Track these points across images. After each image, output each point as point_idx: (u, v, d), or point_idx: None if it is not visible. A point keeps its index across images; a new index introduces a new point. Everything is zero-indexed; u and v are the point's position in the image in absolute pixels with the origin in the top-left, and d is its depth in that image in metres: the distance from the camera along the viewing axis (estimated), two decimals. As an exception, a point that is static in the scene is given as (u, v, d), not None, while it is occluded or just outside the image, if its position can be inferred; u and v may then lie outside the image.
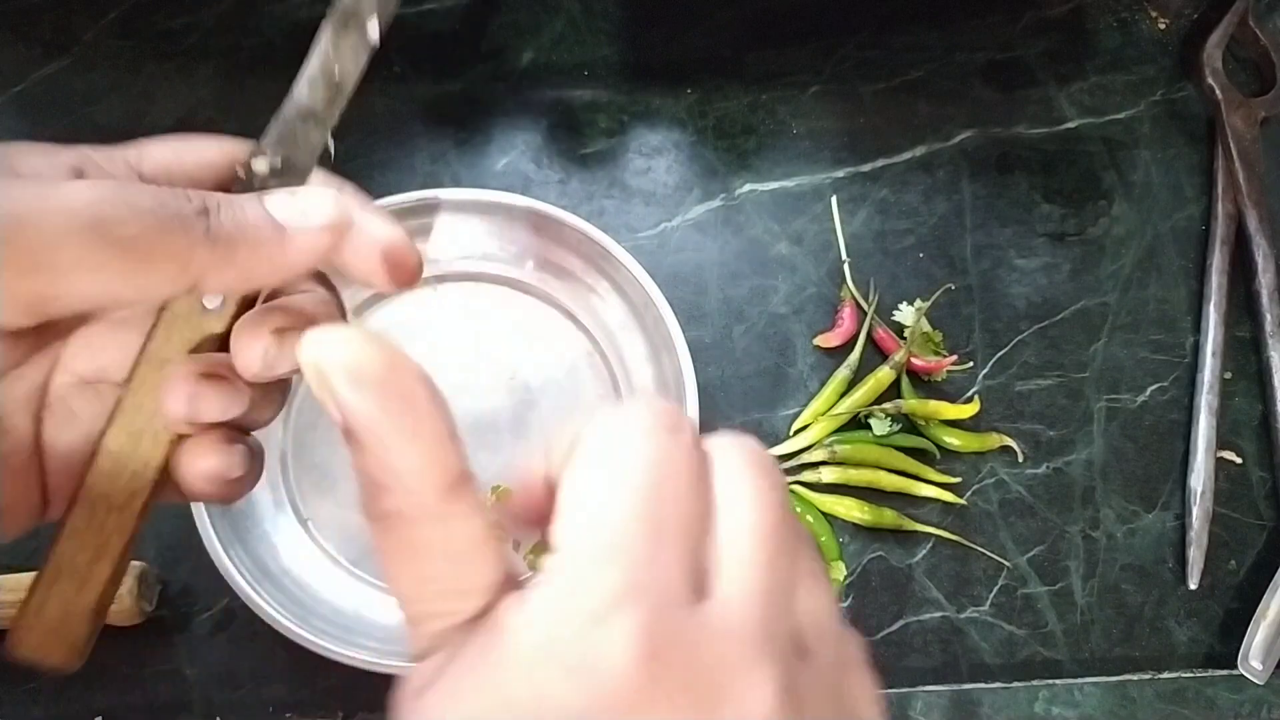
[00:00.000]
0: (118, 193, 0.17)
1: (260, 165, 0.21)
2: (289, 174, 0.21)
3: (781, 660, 0.14)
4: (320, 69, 0.22)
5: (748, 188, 0.53)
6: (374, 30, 0.21)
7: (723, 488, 0.16)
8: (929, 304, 0.50)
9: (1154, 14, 0.58)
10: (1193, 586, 0.47)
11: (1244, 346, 0.51)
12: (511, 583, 0.16)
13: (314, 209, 0.20)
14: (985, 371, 0.50)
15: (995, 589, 0.47)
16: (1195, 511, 0.48)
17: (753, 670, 0.13)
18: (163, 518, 0.32)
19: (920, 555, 0.47)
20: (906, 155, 0.54)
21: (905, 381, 0.49)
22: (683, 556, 0.14)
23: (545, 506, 0.16)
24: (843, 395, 0.49)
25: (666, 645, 0.13)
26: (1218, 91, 0.54)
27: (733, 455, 0.16)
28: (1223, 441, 0.49)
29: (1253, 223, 0.52)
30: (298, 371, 0.19)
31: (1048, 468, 0.49)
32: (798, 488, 0.47)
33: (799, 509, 0.46)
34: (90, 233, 0.16)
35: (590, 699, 0.13)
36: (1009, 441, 0.49)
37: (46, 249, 0.16)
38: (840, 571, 0.46)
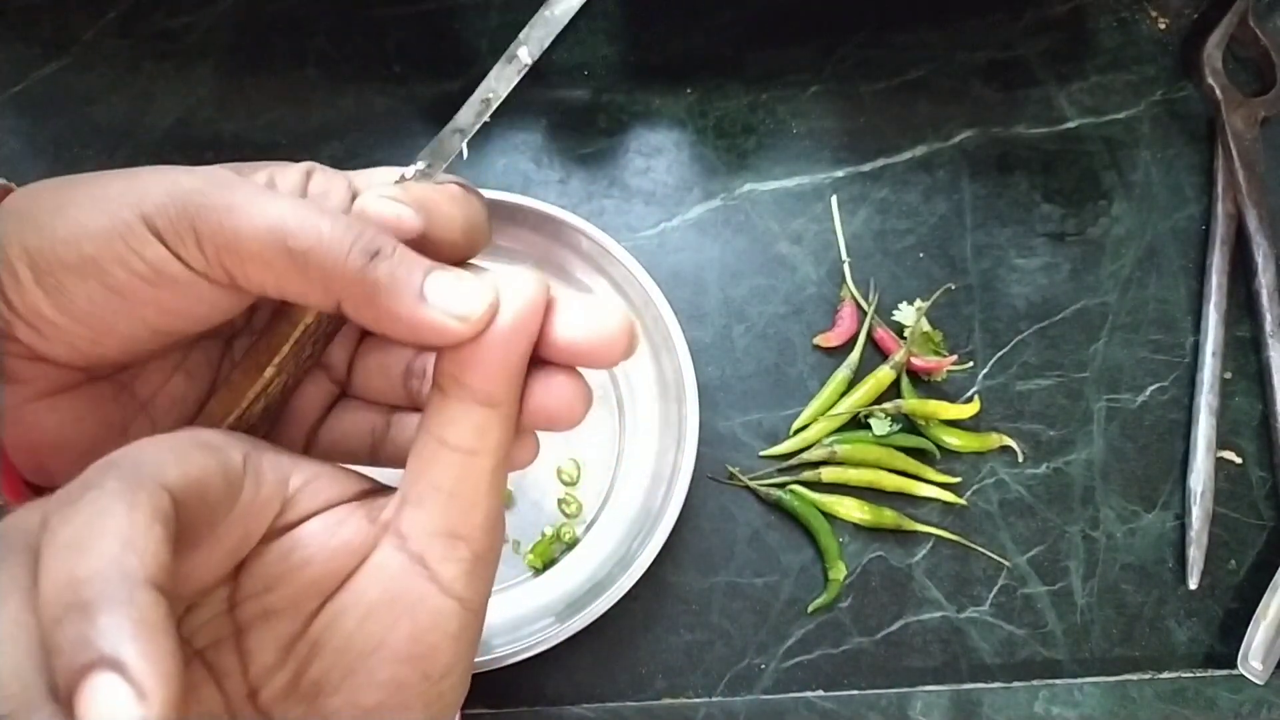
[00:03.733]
0: (306, 211, 0.21)
1: (410, 171, 0.26)
2: (428, 174, 0.26)
3: None
4: (480, 95, 0.26)
5: (748, 187, 0.53)
6: (525, 55, 0.26)
7: None
8: (929, 304, 0.50)
9: (1154, 14, 0.57)
10: (1193, 586, 0.47)
11: (1244, 346, 0.51)
12: None
13: (462, 300, 0.21)
14: (985, 371, 0.50)
15: (995, 589, 0.47)
16: (1195, 511, 0.48)
17: None
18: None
19: (920, 555, 0.47)
20: (907, 155, 0.54)
21: (905, 381, 0.49)
22: None
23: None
24: (843, 395, 0.49)
25: None
26: (1218, 91, 0.54)
27: None
28: (1223, 441, 0.49)
29: (1253, 222, 0.52)
30: None
31: (1048, 468, 0.49)
32: (798, 487, 0.47)
33: (799, 509, 0.47)
34: (270, 234, 0.20)
35: None
36: (1009, 441, 0.49)
37: (239, 236, 0.20)
38: (840, 571, 0.46)
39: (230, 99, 0.53)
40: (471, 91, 0.26)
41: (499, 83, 0.26)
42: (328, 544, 0.21)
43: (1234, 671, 0.45)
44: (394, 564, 0.21)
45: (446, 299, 0.21)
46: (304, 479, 0.22)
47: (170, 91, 0.53)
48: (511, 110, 0.54)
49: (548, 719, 0.43)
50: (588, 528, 0.46)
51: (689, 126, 0.54)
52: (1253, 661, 0.45)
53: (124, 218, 0.20)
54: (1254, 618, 0.46)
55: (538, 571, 0.45)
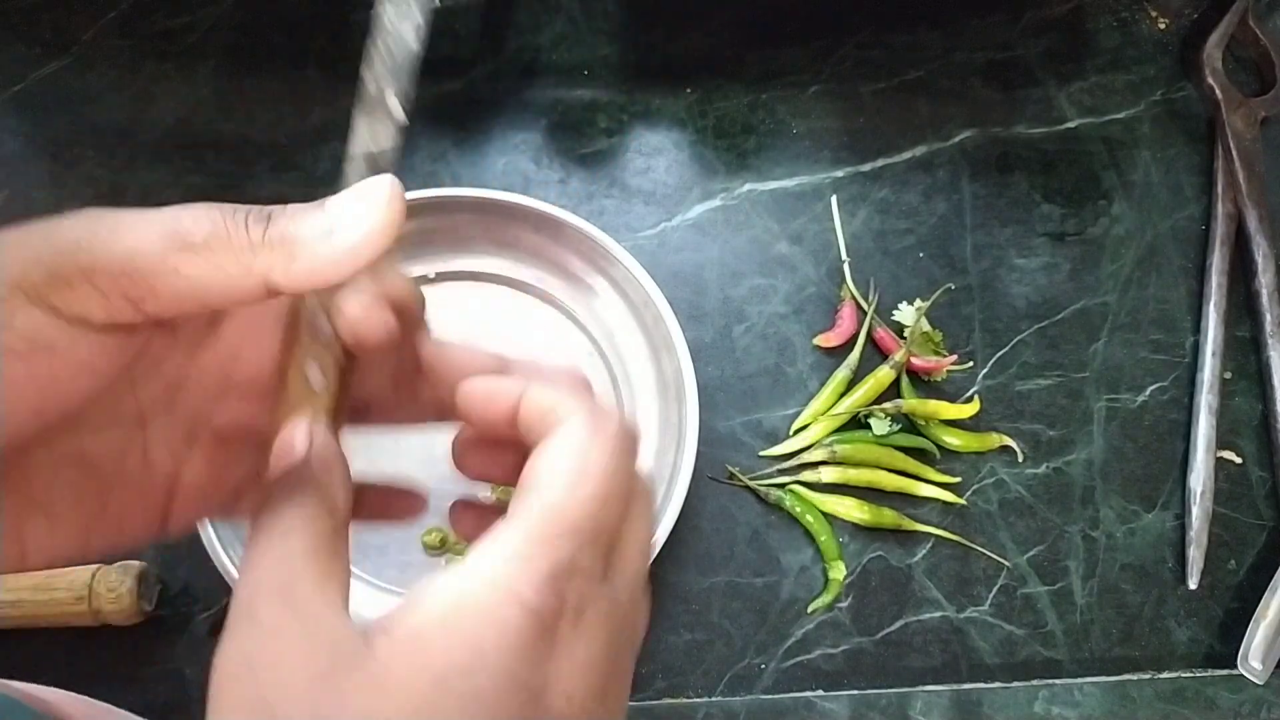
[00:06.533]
0: (191, 209, 0.21)
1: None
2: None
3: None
4: (359, 153, 0.24)
5: (747, 187, 0.53)
6: (398, 110, 0.24)
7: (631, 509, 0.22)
8: (929, 304, 0.50)
9: (1154, 14, 0.58)
10: (1192, 586, 0.47)
11: (1244, 346, 0.52)
12: None
13: (362, 217, 0.22)
14: (985, 371, 0.50)
15: (995, 589, 0.47)
16: (1195, 511, 0.48)
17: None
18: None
19: (920, 555, 0.47)
20: (906, 155, 0.54)
21: (905, 381, 0.49)
22: (605, 553, 0.21)
23: (505, 429, 0.23)
24: (842, 395, 0.49)
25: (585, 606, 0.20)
26: (1218, 91, 0.54)
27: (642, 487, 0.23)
28: (1222, 441, 0.49)
29: (1252, 222, 0.52)
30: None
31: (1047, 467, 0.49)
32: (797, 487, 0.47)
33: (799, 509, 0.47)
34: (169, 239, 0.21)
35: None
36: (1009, 441, 0.49)
37: (136, 254, 0.21)
38: (840, 571, 0.46)
39: (230, 99, 0.53)
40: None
41: (379, 141, 0.25)
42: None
43: (1234, 671, 0.45)
44: None
45: (350, 216, 0.22)
46: None
47: (170, 91, 0.53)
48: (511, 110, 0.54)
49: (548, 719, 0.43)
50: (588, 528, 0.46)
51: (689, 126, 0.54)
52: (1252, 661, 0.45)
53: None
54: (1254, 618, 0.46)
55: (538, 571, 0.45)
